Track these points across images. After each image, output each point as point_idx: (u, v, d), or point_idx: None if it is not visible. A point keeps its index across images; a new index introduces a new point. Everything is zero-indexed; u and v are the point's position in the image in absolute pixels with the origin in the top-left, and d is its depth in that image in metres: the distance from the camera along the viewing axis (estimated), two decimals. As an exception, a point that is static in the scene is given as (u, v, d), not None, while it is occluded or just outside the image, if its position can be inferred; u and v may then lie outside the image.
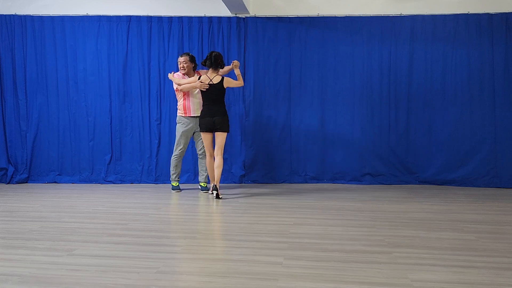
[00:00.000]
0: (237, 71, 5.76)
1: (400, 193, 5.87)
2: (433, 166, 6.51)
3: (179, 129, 5.96)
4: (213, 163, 5.59)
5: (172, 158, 6.03)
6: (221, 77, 5.63)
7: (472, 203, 5.20)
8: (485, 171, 6.38)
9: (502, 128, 6.35)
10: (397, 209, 4.81)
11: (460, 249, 3.31)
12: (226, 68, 5.95)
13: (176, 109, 6.18)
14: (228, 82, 5.66)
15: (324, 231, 3.86)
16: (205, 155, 5.82)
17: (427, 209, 4.79)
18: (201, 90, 5.65)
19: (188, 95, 5.91)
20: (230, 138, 6.72)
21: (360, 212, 4.66)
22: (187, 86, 5.77)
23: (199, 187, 6.12)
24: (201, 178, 6.09)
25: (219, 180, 5.51)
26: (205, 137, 5.64)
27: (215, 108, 5.59)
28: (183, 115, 5.95)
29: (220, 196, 5.44)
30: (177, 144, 5.99)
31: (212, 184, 5.53)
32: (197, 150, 6.10)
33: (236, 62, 5.79)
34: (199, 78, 5.66)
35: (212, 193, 5.53)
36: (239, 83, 5.75)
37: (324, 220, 4.31)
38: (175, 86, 5.93)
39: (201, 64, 5.74)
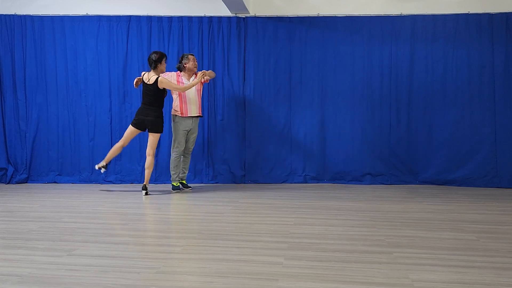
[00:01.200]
0: (196, 81, 5.84)
1: (400, 193, 5.86)
2: (433, 166, 6.51)
3: (178, 128, 5.96)
4: (119, 150, 5.99)
5: (173, 158, 6.01)
6: (156, 77, 5.73)
7: (473, 203, 5.19)
8: (485, 171, 6.37)
9: (502, 128, 6.35)
10: (397, 209, 4.80)
11: (460, 249, 3.30)
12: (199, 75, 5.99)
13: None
14: (163, 83, 5.73)
15: (324, 231, 3.85)
16: (188, 154, 6.13)
17: (427, 209, 4.79)
18: (143, 90, 5.85)
19: (184, 95, 5.93)
20: (230, 138, 6.73)
21: (360, 212, 4.66)
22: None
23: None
24: (182, 175, 6.19)
25: (148, 180, 5.84)
26: (130, 130, 5.89)
27: (150, 109, 5.78)
28: (180, 115, 5.96)
29: (148, 193, 5.81)
30: (178, 143, 5.98)
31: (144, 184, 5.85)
32: (186, 150, 6.14)
33: (203, 76, 5.90)
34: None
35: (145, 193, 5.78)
36: (179, 88, 5.80)
37: (324, 220, 4.31)
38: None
39: (177, 68, 6.07)
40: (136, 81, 5.88)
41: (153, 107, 5.79)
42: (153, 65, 5.76)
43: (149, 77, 5.75)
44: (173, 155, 6.01)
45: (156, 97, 5.78)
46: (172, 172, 6.04)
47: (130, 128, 5.90)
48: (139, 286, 2.57)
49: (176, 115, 5.99)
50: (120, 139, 6.75)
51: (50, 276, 2.74)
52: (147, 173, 5.80)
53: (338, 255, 3.13)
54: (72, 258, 3.10)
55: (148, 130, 5.86)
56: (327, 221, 4.24)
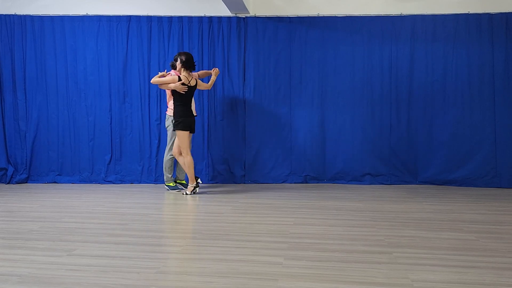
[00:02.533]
0: (214, 78, 6.08)
1: (400, 193, 5.86)
2: (433, 166, 6.51)
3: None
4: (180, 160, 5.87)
5: (168, 159, 6.02)
6: (195, 79, 5.83)
7: (472, 203, 5.19)
8: (485, 171, 6.37)
9: (502, 128, 6.35)
10: (397, 209, 4.80)
11: (460, 249, 3.30)
12: (203, 72, 6.22)
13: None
14: (200, 85, 5.96)
15: (324, 231, 3.85)
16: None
17: (427, 209, 4.79)
18: (175, 91, 5.67)
19: None
20: (230, 138, 6.73)
21: (360, 212, 4.66)
22: (157, 81, 5.78)
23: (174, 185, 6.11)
24: (181, 176, 6.23)
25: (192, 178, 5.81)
26: (186, 136, 5.73)
27: (191, 110, 5.83)
28: None
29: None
30: (173, 144, 5.99)
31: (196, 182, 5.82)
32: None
33: (217, 71, 6.13)
34: (179, 79, 5.69)
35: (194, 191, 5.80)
36: (207, 86, 6.11)
37: (324, 220, 4.31)
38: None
39: (170, 65, 5.99)
40: (182, 87, 5.66)
41: (191, 106, 5.84)
42: (193, 66, 5.80)
43: (189, 78, 5.71)
44: (169, 156, 6.03)
45: (192, 97, 5.85)
46: (168, 173, 6.04)
47: (184, 133, 5.69)
48: (139, 286, 2.58)
49: (171, 115, 5.97)
50: (118, 139, 6.77)
51: (50, 276, 2.74)
52: (192, 171, 5.77)
53: (338, 255, 3.13)
54: (72, 258, 3.10)
55: (189, 130, 5.76)
56: (327, 221, 4.24)
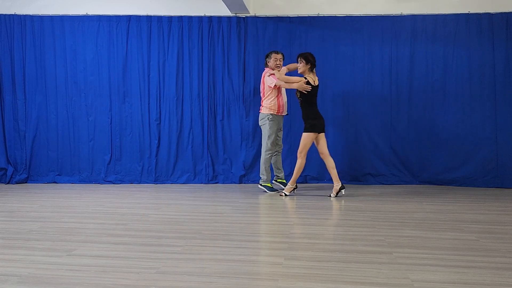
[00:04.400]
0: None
1: (400, 193, 5.86)
2: (433, 166, 6.51)
3: (273, 126, 5.91)
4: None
5: (267, 158, 5.92)
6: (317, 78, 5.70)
7: (473, 203, 5.19)
8: (486, 171, 6.37)
9: (502, 128, 6.34)
10: (397, 209, 4.80)
11: (460, 249, 3.30)
12: (292, 65, 6.00)
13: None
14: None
15: (324, 231, 3.85)
16: (280, 152, 6.06)
17: (428, 209, 4.79)
18: (305, 92, 5.55)
19: (280, 94, 5.97)
20: (230, 138, 6.73)
21: (360, 212, 4.65)
22: (284, 78, 5.72)
23: (271, 185, 6.00)
24: (281, 175, 6.15)
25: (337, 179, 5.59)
26: (312, 139, 5.60)
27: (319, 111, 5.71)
28: (276, 113, 5.93)
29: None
30: (272, 141, 5.91)
31: (340, 184, 5.56)
32: (278, 148, 6.10)
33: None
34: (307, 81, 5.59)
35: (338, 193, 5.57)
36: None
37: (324, 220, 4.30)
38: (271, 83, 5.83)
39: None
40: (306, 86, 5.55)
41: (318, 109, 5.74)
42: (314, 65, 5.70)
43: (314, 79, 5.65)
44: (267, 155, 5.93)
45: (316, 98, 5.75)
46: (266, 173, 5.94)
47: (313, 136, 5.58)
48: (139, 286, 2.57)
49: (272, 113, 5.91)
50: (118, 139, 6.75)
51: (50, 276, 2.74)
52: (334, 173, 5.59)
53: (338, 255, 3.13)
54: (72, 258, 3.10)
55: (321, 131, 5.66)
56: (327, 221, 4.24)
